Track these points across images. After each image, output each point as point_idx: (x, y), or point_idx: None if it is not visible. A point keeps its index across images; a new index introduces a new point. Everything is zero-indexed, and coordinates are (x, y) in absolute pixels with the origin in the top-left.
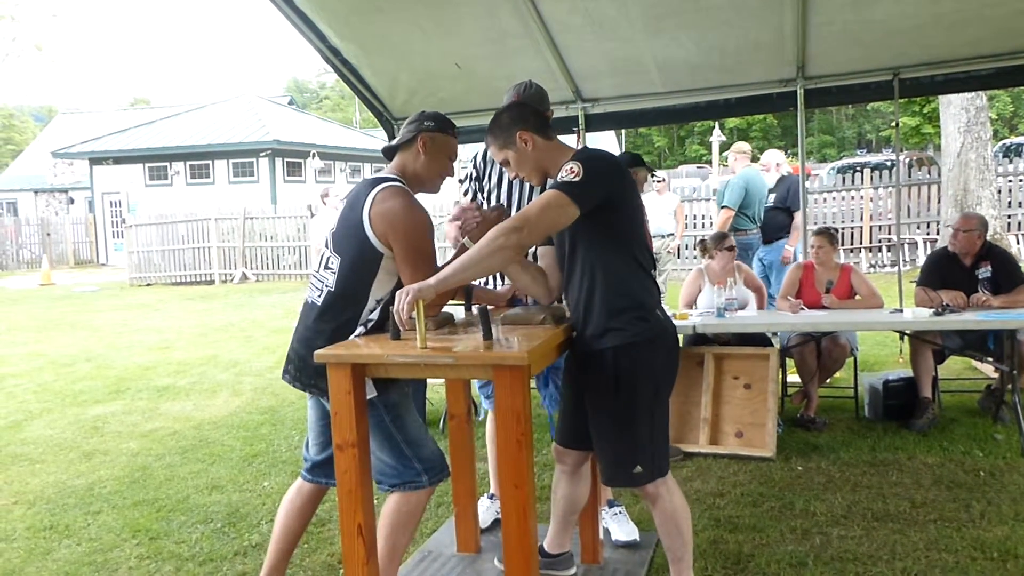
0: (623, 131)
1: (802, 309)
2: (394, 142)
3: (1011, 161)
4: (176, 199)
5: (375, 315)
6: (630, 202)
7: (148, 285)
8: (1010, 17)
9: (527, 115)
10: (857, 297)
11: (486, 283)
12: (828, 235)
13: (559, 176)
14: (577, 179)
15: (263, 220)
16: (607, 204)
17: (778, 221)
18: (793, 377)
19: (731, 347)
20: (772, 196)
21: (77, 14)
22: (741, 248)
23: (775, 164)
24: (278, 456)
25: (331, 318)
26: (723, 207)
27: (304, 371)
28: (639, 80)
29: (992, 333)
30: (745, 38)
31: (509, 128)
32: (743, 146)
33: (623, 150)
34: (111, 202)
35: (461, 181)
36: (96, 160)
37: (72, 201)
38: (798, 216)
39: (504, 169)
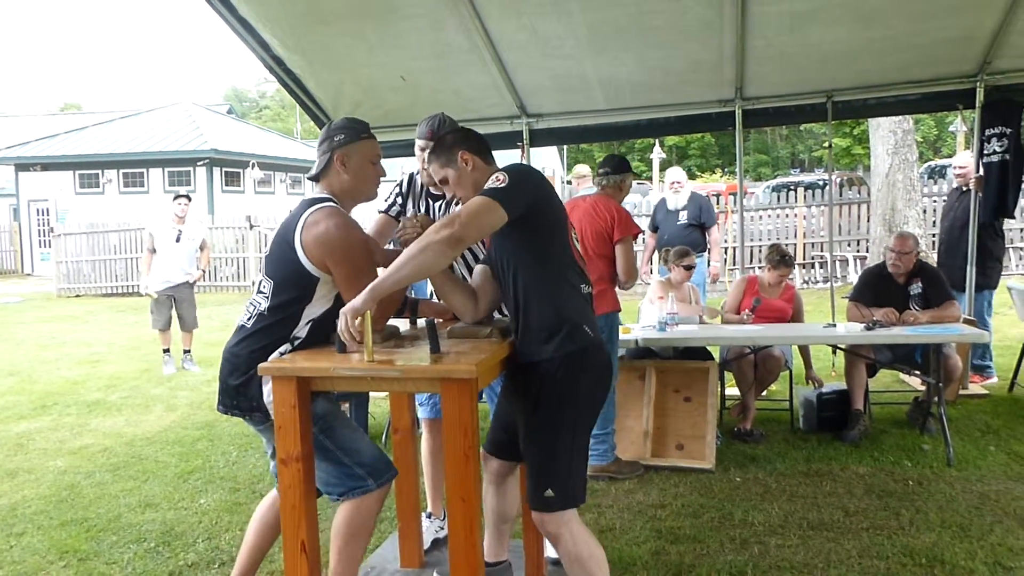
0: (565, 147)
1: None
2: (313, 171)
3: (936, 182)
4: (108, 208)
5: (303, 332)
6: (555, 216)
7: (77, 296)
8: (935, 45)
9: (470, 138)
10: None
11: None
12: (779, 255)
13: (486, 185)
14: (503, 185)
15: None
16: (533, 212)
17: (692, 239)
18: (731, 390)
19: (672, 361)
20: (684, 214)
21: (2, 15)
22: None
23: (676, 183)
24: (215, 472)
25: (259, 339)
26: None
27: (226, 393)
28: (583, 97)
29: (920, 347)
30: (686, 59)
31: (452, 148)
32: (581, 170)
33: (564, 164)
34: (38, 210)
35: (386, 199)
36: (22, 166)
37: None
38: (714, 231)
39: (426, 201)
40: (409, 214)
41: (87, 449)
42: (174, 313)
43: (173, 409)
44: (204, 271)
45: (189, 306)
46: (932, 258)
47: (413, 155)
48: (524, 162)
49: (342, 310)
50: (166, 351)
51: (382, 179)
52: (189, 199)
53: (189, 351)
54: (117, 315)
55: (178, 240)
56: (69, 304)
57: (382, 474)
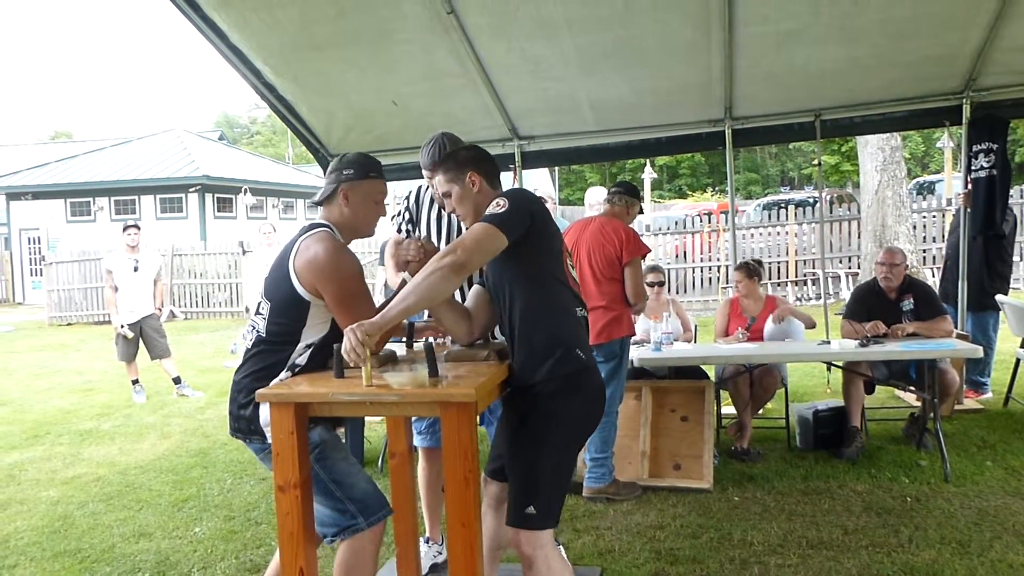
0: (556, 168)
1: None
2: (317, 197)
3: (924, 198)
4: (99, 235)
5: (303, 359)
6: (551, 239)
7: (69, 324)
8: (921, 63)
9: (482, 160)
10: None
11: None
12: (746, 269)
13: (487, 210)
14: (503, 211)
15: (192, 257)
16: (530, 235)
17: None
18: (727, 409)
19: (668, 380)
20: None
21: None
22: None
23: (597, 203)
24: (210, 500)
25: (257, 362)
26: None
27: (231, 415)
28: (573, 119)
29: (914, 363)
30: (675, 80)
31: (463, 166)
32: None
33: (556, 186)
34: (29, 239)
35: (393, 218)
36: (13, 195)
37: None
38: None
39: (437, 213)
40: (416, 233)
41: (80, 479)
42: (141, 344)
43: (167, 437)
44: (161, 307)
45: (156, 335)
46: (923, 274)
47: (405, 179)
48: (519, 186)
49: (350, 327)
50: (135, 382)
51: (381, 217)
52: (138, 228)
53: (179, 379)
54: (109, 343)
55: (136, 270)
56: (61, 332)
57: (373, 512)
